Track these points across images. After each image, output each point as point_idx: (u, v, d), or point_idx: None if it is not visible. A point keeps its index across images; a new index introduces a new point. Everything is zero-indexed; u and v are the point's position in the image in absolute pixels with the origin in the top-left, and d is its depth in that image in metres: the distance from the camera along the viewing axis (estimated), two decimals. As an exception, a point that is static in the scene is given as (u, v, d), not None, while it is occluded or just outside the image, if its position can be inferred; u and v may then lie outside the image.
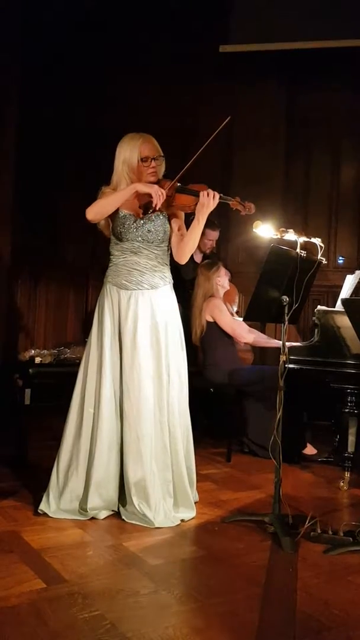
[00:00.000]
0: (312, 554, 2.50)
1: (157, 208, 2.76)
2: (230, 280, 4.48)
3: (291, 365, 3.48)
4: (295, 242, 2.84)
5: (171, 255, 2.99)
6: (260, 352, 5.16)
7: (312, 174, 6.07)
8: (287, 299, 2.80)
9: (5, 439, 3.90)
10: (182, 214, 2.97)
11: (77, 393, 2.87)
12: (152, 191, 2.72)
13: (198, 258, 4.86)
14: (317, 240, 2.92)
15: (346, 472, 3.49)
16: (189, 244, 2.91)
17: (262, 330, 4.67)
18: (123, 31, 5.86)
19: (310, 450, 4.12)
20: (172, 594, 2.08)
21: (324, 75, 5.74)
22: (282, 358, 2.78)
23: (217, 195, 2.79)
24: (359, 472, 3.64)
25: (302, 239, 2.87)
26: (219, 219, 5.11)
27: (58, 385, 3.65)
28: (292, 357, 3.55)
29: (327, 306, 4.54)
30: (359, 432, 3.53)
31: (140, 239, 2.86)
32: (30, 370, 3.71)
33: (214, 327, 4.20)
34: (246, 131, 5.88)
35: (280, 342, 2.86)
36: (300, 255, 2.81)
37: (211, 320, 4.20)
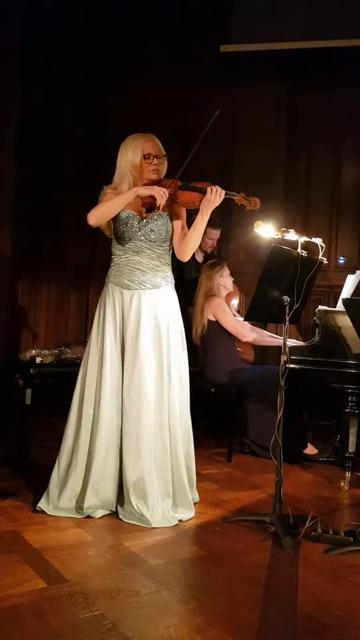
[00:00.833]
0: (312, 554, 2.50)
1: (161, 208, 2.75)
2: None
3: (292, 365, 3.48)
4: (296, 242, 2.84)
5: (173, 255, 2.99)
6: (261, 352, 5.16)
7: (313, 173, 6.07)
8: (288, 299, 2.80)
9: (6, 439, 3.91)
10: (184, 213, 2.97)
11: (77, 393, 2.87)
12: (153, 192, 2.72)
13: (199, 257, 4.87)
14: (318, 240, 2.92)
15: (347, 472, 3.49)
16: (192, 240, 2.91)
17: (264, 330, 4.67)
18: (123, 31, 5.86)
19: (311, 450, 4.12)
20: (173, 594, 2.08)
21: (325, 74, 5.73)
22: (283, 358, 2.78)
23: (223, 191, 2.80)
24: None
25: (303, 239, 2.86)
26: (220, 218, 5.12)
27: (59, 385, 3.65)
28: (293, 357, 3.55)
29: (328, 306, 4.53)
30: (360, 432, 3.54)
31: (143, 238, 2.86)
32: (31, 370, 3.71)
33: (215, 326, 4.20)
34: (247, 131, 5.89)
35: (282, 340, 2.86)
36: (301, 255, 2.81)
37: (213, 319, 4.20)
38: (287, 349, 2.81)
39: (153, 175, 2.87)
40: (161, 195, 2.70)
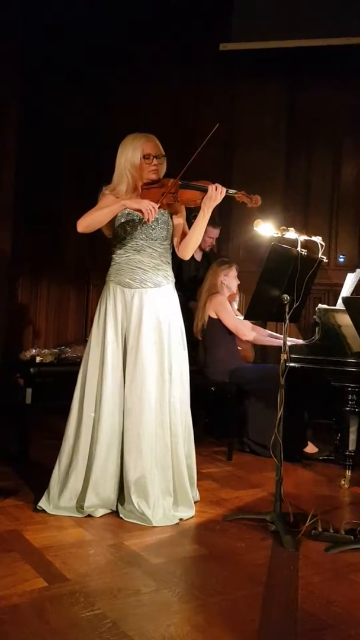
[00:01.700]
0: (313, 552, 2.50)
1: (150, 221, 2.75)
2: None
3: (292, 364, 3.48)
4: (296, 241, 2.84)
5: (173, 254, 3.00)
6: (261, 351, 5.16)
7: (313, 172, 6.06)
8: (288, 298, 2.80)
9: (7, 438, 3.91)
10: (183, 212, 2.97)
11: (78, 392, 2.88)
12: (141, 207, 2.72)
13: (198, 256, 4.87)
14: (317, 239, 2.92)
15: (347, 471, 3.49)
16: (194, 237, 2.93)
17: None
18: (123, 31, 5.85)
19: (311, 448, 4.12)
20: (173, 593, 2.08)
21: (324, 73, 5.72)
22: (283, 357, 2.78)
23: (224, 189, 2.81)
24: (360, 470, 3.65)
25: (303, 238, 2.87)
26: (220, 217, 5.11)
27: (59, 384, 3.66)
28: (293, 356, 3.55)
29: (328, 305, 4.53)
30: (360, 430, 3.54)
31: (143, 236, 2.87)
32: (32, 370, 3.72)
33: (216, 324, 4.21)
34: (247, 130, 5.88)
35: (282, 339, 2.86)
36: (301, 253, 2.81)
37: (214, 316, 4.21)
38: (287, 348, 2.81)
39: (152, 175, 2.88)
40: (149, 210, 2.70)
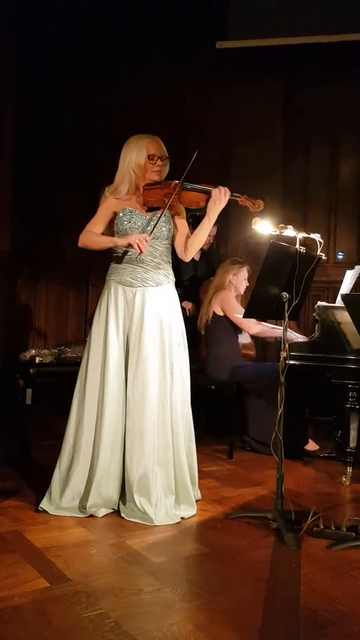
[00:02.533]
0: (315, 549, 2.50)
1: (144, 252, 2.75)
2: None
3: (292, 362, 3.48)
4: (295, 238, 2.84)
5: (172, 254, 2.99)
6: (262, 349, 5.16)
7: (311, 169, 6.06)
8: (287, 296, 2.79)
9: (7, 439, 3.91)
10: (184, 213, 2.97)
11: (78, 392, 2.87)
12: (130, 241, 2.74)
13: (197, 256, 4.86)
14: (316, 236, 2.91)
15: (348, 468, 3.49)
16: (197, 240, 2.94)
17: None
18: (123, 31, 5.84)
19: (312, 446, 4.13)
20: (175, 592, 2.08)
21: (321, 70, 5.72)
22: (283, 354, 2.78)
23: (229, 191, 2.82)
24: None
25: (302, 235, 2.86)
26: (218, 215, 5.10)
27: (59, 384, 3.66)
28: (292, 353, 3.55)
29: (328, 302, 4.53)
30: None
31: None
32: (31, 370, 3.72)
33: (220, 321, 4.22)
34: (244, 127, 5.87)
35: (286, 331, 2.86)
36: (300, 251, 2.81)
37: (219, 313, 4.22)
38: (286, 345, 2.81)
39: (155, 177, 2.88)
40: (137, 243, 2.71)
